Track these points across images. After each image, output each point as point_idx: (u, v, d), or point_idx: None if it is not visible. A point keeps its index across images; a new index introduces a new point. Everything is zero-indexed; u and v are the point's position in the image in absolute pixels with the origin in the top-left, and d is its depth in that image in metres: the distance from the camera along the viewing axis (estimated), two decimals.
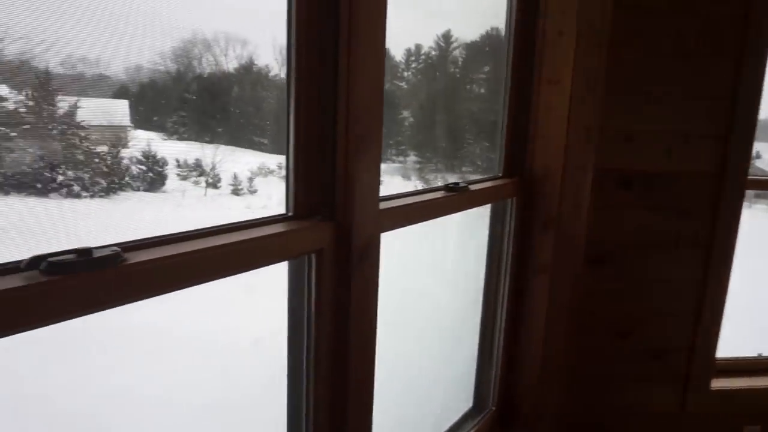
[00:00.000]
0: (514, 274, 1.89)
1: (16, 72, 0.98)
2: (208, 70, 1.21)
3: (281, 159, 1.49)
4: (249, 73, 1.28)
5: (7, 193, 1.05)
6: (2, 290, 0.57)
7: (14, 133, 1.07)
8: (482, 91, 2.57)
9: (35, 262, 0.60)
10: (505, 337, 1.92)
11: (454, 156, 2.39)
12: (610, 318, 2.18)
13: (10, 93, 1.02)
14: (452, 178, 2.38)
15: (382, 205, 1.14)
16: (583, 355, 2.17)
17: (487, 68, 2.45)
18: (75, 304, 0.62)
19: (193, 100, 1.25)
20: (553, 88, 1.82)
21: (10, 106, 1.02)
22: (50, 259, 0.61)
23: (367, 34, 0.98)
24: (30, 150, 1.09)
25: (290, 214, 1.01)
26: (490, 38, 2.15)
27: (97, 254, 0.65)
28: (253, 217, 0.95)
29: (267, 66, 1.28)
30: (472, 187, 1.57)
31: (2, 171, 1.03)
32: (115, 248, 0.67)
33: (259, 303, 1.27)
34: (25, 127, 1.08)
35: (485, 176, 1.84)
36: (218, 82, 1.27)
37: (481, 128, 2.50)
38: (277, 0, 1.03)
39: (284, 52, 1.35)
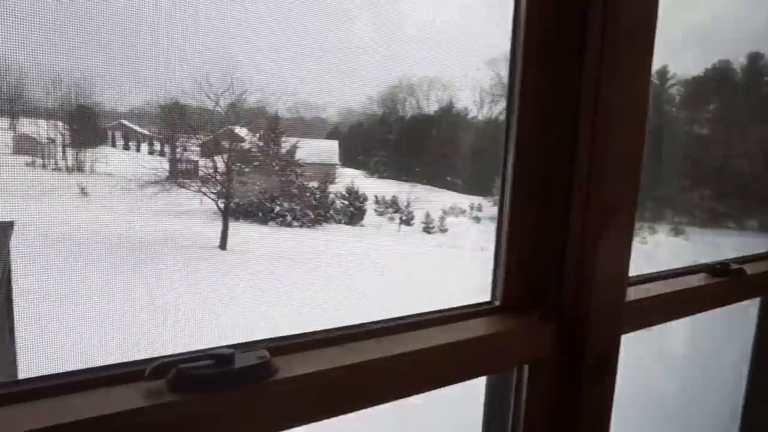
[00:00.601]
0: None
1: (254, 117, 1.21)
2: (410, 113, 1.28)
3: (474, 199, 1.57)
4: (448, 115, 1.34)
5: (237, 218, 1.28)
6: (115, 413, 0.40)
7: (247, 169, 1.28)
8: (704, 131, 2.43)
9: (162, 369, 0.43)
10: None
11: (665, 204, 2.28)
12: None
13: (247, 135, 1.22)
14: (661, 229, 2.19)
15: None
16: None
17: (711, 107, 2.31)
18: None
19: (395, 141, 1.37)
20: None
21: (246, 146, 1.23)
22: (182, 366, 0.44)
23: (630, 56, 0.67)
24: (257, 184, 1.29)
25: (497, 303, 0.74)
26: (717, 73, 2.01)
27: (239, 363, 0.46)
28: (448, 306, 0.70)
29: (465, 108, 1.33)
30: (749, 269, 1.10)
31: (236, 200, 1.27)
32: (262, 352, 0.48)
33: (440, 415, 1.00)
34: (255, 164, 1.28)
35: (761, 252, 1.32)
36: (418, 124, 1.33)
37: (702, 173, 2.32)
38: (484, 37, 1.09)
39: (483, 95, 1.29)
